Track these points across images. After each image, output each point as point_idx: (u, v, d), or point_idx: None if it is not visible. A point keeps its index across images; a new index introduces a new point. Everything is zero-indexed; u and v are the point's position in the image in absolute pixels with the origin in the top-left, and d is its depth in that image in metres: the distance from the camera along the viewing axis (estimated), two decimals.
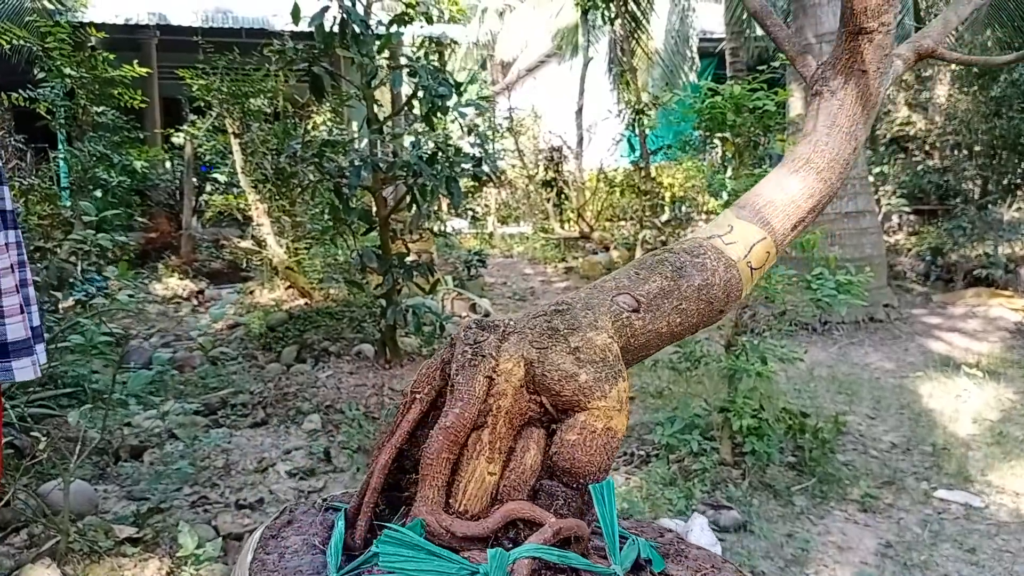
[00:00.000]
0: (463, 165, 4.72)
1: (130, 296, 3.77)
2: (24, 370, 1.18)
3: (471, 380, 0.86)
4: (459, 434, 0.85)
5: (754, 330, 4.32)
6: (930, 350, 6.50)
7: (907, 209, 11.11)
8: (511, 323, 0.96)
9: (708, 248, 1.15)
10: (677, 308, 1.10)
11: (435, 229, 6.22)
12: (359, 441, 4.27)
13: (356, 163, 4.57)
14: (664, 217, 11.40)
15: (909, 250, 10.90)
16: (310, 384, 5.04)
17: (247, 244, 9.14)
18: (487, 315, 8.01)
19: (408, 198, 4.85)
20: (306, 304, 7.35)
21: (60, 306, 5.41)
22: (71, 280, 5.57)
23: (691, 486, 3.53)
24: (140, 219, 9.75)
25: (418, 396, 0.89)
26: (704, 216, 11.37)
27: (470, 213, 14.78)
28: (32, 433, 3.12)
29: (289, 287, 7.96)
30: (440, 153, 4.68)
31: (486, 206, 15.29)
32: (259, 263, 8.85)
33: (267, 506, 3.66)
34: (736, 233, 1.17)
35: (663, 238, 11.21)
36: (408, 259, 5.01)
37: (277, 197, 7.74)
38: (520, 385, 0.94)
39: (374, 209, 5.09)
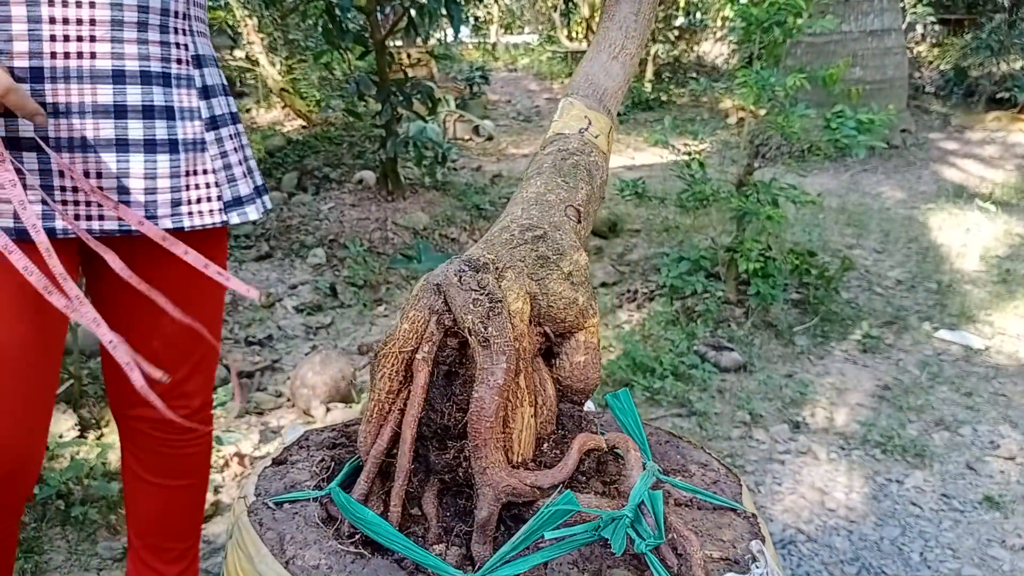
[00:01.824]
0: None
1: None
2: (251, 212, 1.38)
3: (503, 330, 0.79)
4: (509, 389, 0.80)
5: (766, 155, 4.19)
6: (944, 178, 6.37)
7: (932, 18, 10.52)
8: (491, 257, 0.88)
9: (592, 146, 1.15)
10: (594, 211, 1.12)
11: (434, 51, 5.89)
12: (364, 277, 4.28)
13: None
14: (678, 23, 10.83)
15: (931, 62, 10.44)
16: (313, 216, 4.99)
17: (240, 57, 8.74)
18: (490, 138, 7.80)
19: (405, 20, 4.54)
20: (303, 127, 7.14)
21: None
22: None
23: (694, 327, 3.56)
24: None
25: (420, 357, 0.81)
26: (719, 25, 10.79)
27: (471, 20, 14.05)
28: None
29: (285, 107, 7.70)
30: None
31: (488, 14, 14.51)
32: (253, 80, 8.51)
33: (276, 342, 3.72)
34: (595, 126, 1.19)
35: (676, 52, 10.70)
36: (406, 85, 4.77)
37: (265, 6, 7.28)
38: (528, 321, 0.89)
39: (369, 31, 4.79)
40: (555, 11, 12.30)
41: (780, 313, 3.75)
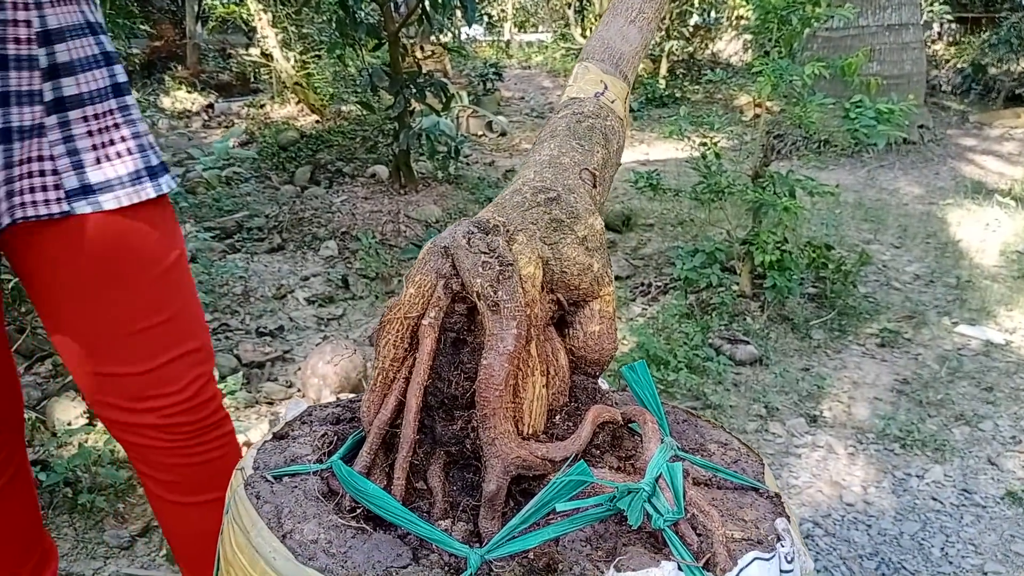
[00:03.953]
0: None
1: None
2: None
3: (514, 294, 0.75)
4: (520, 356, 0.75)
5: (781, 151, 4.13)
6: (962, 175, 6.28)
7: (949, 17, 10.40)
8: (502, 220, 0.84)
9: (608, 110, 1.11)
10: (610, 177, 1.08)
11: (448, 45, 5.86)
12: (376, 269, 4.26)
13: None
14: (693, 21, 10.77)
15: (948, 61, 10.32)
16: (325, 209, 4.97)
17: (255, 53, 8.75)
18: (503, 134, 7.77)
19: (419, 11, 4.51)
20: (317, 122, 7.14)
21: None
22: None
23: (708, 320, 3.52)
24: (142, 27, 9.28)
25: (426, 323, 0.77)
26: (735, 23, 10.71)
27: (485, 18, 14.03)
28: None
29: (299, 102, 7.70)
30: None
31: (502, 11, 14.49)
32: (268, 75, 8.52)
33: (287, 333, 3.70)
34: (612, 90, 1.15)
35: (690, 49, 10.63)
36: (419, 78, 4.74)
37: (280, 4, 7.30)
38: (540, 287, 0.85)
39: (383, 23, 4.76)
40: (569, 8, 12.25)
41: (796, 307, 3.70)
